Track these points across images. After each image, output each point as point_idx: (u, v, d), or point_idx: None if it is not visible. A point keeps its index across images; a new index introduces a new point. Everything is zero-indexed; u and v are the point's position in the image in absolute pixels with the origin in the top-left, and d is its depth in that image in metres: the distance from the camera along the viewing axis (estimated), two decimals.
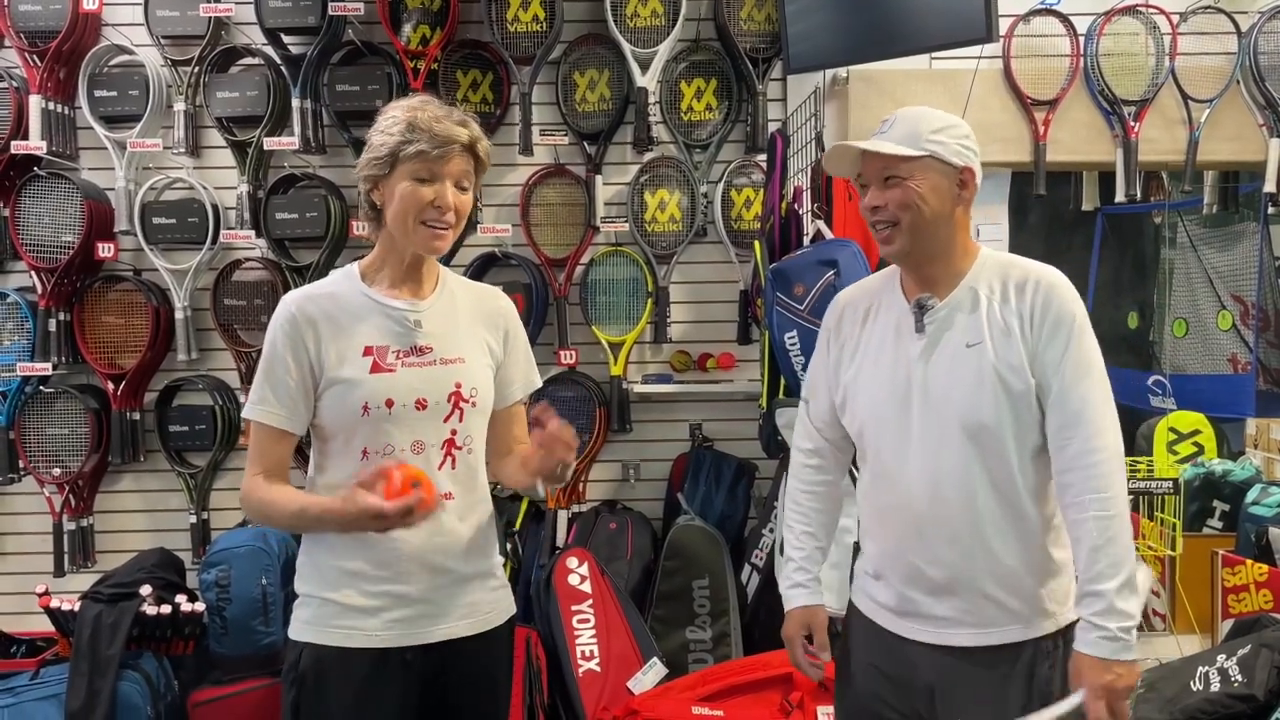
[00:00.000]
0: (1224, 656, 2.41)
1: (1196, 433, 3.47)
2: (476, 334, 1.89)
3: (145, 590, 2.88)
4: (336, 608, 1.77)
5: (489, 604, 1.88)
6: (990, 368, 1.69)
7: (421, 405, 1.78)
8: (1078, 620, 1.66)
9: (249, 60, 3.44)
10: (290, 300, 1.81)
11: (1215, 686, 2.35)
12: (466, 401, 1.82)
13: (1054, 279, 1.74)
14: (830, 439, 1.95)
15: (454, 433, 1.82)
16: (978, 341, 1.72)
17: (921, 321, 1.77)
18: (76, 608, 2.88)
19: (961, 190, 1.75)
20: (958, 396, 1.71)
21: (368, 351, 1.78)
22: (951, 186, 1.74)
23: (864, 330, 1.86)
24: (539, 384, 2.03)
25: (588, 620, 2.98)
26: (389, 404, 1.75)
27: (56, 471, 3.35)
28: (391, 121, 1.76)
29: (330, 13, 3.28)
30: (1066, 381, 1.67)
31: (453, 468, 1.82)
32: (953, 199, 1.75)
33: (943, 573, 1.73)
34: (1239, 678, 2.33)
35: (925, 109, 1.80)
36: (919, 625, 1.77)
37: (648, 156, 3.48)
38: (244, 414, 1.81)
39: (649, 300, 3.44)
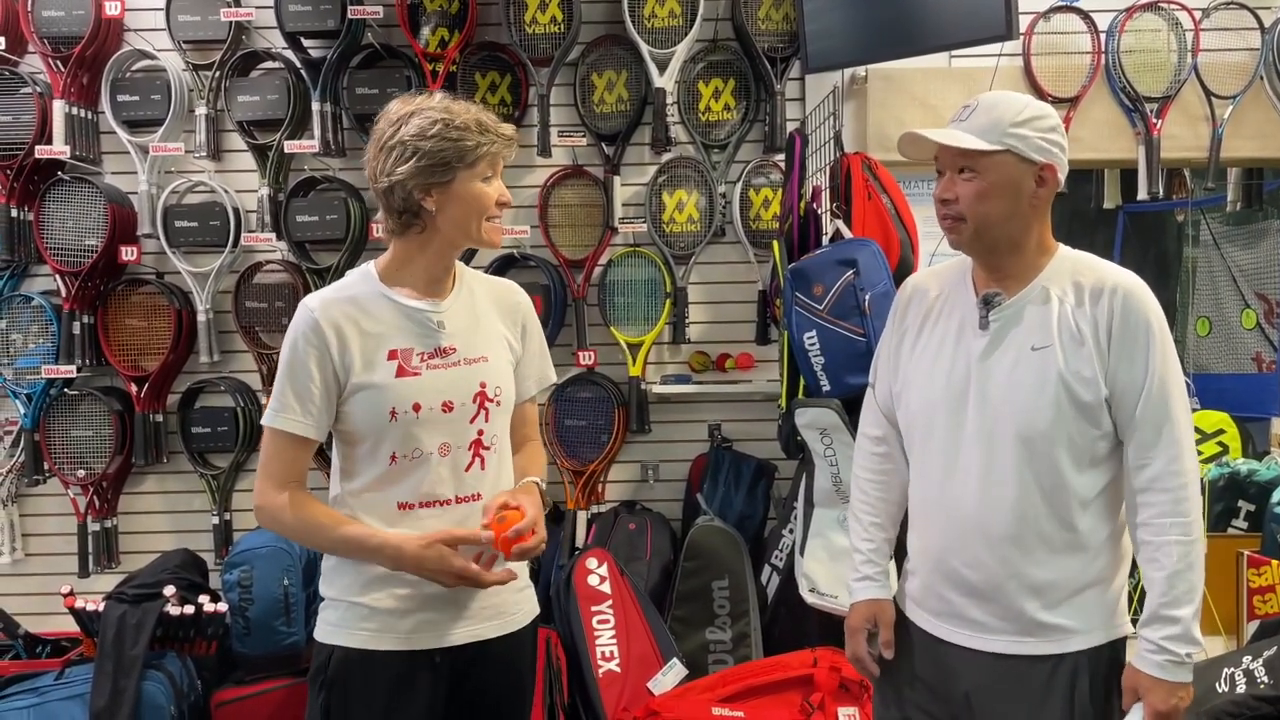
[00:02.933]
0: (1250, 658, 2.38)
1: (1221, 432, 3.43)
2: (496, 330, 1.88)
3: (169, 591, 2.90)
4: (364, 610, 1.76)
5: (515, 605, 1.88)
6: (1055, 374, 1.63)
7: (448, 408, 1.76)
8: (1129, 638, 1.64)
9: (269, 64, 3.46)
10: (311, 304, 1.77)
11: (1241, 688, 2.33)
12: (491, 401, 1.81)
13: (1132, 285, 1.65)
14: (897, 425, 1.88)
15: (480, 433, 1.81)
16: (1045, 345, 1.65)
17: (986, 318, 1.70)
18: (101, 608, 2.91)
19: (1040, 187, 1.67)
20: (1017, 401, 1.65)
21: (392, 355, 1.76)
22: (1029, 183, 1.66)
23: (928, 320, 1.80)
24: (553, 379, 2.02)
25: (607, 621, 2.98)
26: (416, 408, 1.74)
27: (81, 473, 3.37)
28: (443, 125, 1.70)
29: (350, 16, 3.28)
30: (1150, 400, 1.60)
31: (481, 468, 1.82)
32: (1029, 196, 1.67)
33: (980, 577, 1.69)
34: (1265, 679, 2.31)
35: (1010, 95, 1.72)
36: (956, 628, 1.74)
37: (666, 157, 3.47)
38: (264, 421, 1.77)
39: (667, 301, 3.44)
